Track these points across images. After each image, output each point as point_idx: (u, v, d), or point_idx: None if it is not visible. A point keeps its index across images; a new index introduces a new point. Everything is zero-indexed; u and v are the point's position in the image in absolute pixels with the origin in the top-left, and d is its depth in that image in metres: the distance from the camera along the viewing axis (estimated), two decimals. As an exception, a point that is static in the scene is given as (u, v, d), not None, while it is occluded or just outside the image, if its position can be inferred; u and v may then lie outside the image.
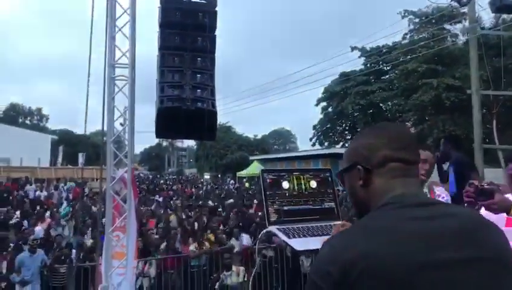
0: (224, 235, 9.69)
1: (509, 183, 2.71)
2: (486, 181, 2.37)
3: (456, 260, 1.01)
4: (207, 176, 47.28)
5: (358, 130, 33.42)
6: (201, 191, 26.77)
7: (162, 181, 38.38)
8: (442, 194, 3.35)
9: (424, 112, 28.58)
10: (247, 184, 33.21)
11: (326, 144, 39.06)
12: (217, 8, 5.60)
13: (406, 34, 32.25)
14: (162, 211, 14.41)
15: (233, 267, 7.92)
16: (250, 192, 22.32)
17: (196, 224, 10.96)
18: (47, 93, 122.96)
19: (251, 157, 43.30)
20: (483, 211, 2.12)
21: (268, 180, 1.89)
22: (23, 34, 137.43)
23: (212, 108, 5.39)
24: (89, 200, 16.98)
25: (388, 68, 34.61)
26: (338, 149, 30.92)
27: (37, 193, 20.08)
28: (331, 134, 39.81)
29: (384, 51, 32.70)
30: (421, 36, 29.17)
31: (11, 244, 9.06)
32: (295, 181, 1.92)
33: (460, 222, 1.09)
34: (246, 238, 9.41)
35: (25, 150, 32.20)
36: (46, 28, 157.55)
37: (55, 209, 14.42)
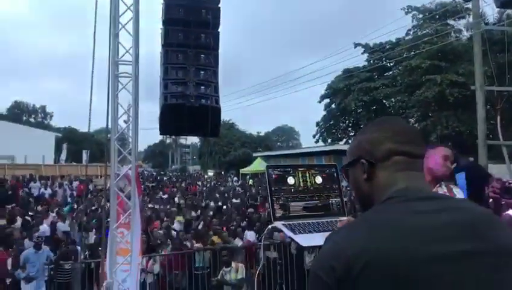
0: (227, 234, 9.66)
1: None
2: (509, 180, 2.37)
3: (459, 254, 1.01)
4: (210, 173, 47.31)
5: (362, 126, 33.36)
6: (204, 188, 26.82)
7: (166, 178, 38.42)
8: (458, 195, 3.34)
9: (428, 108, 28.51)
10: (250, 181, 33.20)
11: (329, 140, 39.05)
12: (220, 5, 5.60)
13: (410, 30, 32.22)
14: (169, 207, 14.47)
15: (233, 264, 7.91)
16: (254, 190, 22.25)
17: (201, 224, 10.99)
18: (51, 91, 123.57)
19: (254, 154, 43.34)
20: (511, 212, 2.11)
21: (273, 176, 1.89)
22: (27, 32, 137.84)
23: (216, 105, 5.40)
24: (93, 197, 17.03)
25: (391, 64, 34.54)
26: (341, 146, 30.90)
27: (41, 190, 20.16)
28: (334, 131, 39.76)
29: (387, 47, 32.64)
30: (424, 32, 29.07)
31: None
32: (300, 177, 1.92)
33: (464, 215, 1.09)
34: (250, 235, 9.42)
35: (30, 148, 32.33)
36: (50, 25, 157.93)
37: (57, 208, 14.40)
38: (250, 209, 14.05)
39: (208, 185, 29.68)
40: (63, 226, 10.84)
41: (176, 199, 18.30)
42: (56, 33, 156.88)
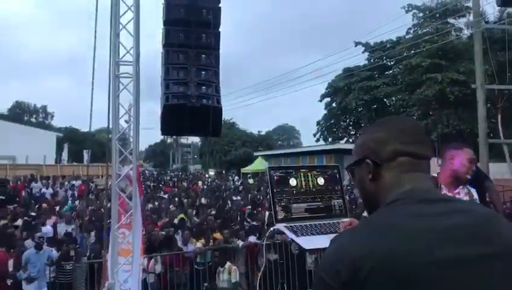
0: (228, 232, 9.65)
1: None
2: None
3: (465, 257, 1.00)
4: (211, 172, 47.32)
5: (362, 125, 33.43)
6: (205, 186, 26.87)
7: (168, 178, 38.46)
8: (475, 195, 3.33)
9: (428, 107, 28.52)
10: (251, 180, 33.22)
11: (330, 139, 39.04)
12: (220, 5, 5.60)
13: (410, 28, 32.25)
14: (171, 206, 14.50)
15: (226, 265, 7.85)
16: (256, 191, 22.21)
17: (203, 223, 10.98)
18: (52, 90, 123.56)
19: (255, 153, 43.33)
20: None
21: (275, 178, 1.88)
22: (28, 32, 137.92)
23: (217, 104, 5.39)
24: (94, 197, 17.05)
25: (392, 63, 34.53)
26: (342, 145, 30.88)
27: (43, 190, 20.17)
28: (334, 129, 39.77)
29: (388, 46, 32.62)
30: (425, 31, 29.09)
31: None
32: (302, 178, 1.91)
33: (471, 218, 1.08)
34: (251, 237, 9.39)
35: (31, 148, 32.38)
36: (51, 25, 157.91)
37: (58, 208, 14.42)
38: (250, 207, 14.05)
39: (209, 185, 29.72)
40: (63, 227, 10.84)
41: (177, 199, 18.29)
42: (57, 33, 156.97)
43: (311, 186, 1.91)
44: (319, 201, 1.89)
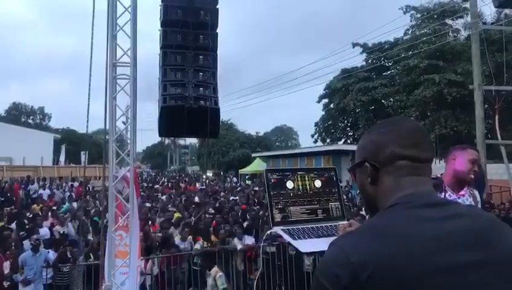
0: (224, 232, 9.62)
1: None
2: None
3: (466, 263, 0.99)
4: (209, 173, 47.25)
5: (360, 126, 33.46)
6: (202, 187, 26.80)
7: (165, 179, 38.38)
8: (478, 198, 3.31)
9: (426, 108, 28.57)
10: (248, 182, 33.18)
11: (328, 140, 39.02)
12: (218, 6, 5.59)
13: (408, 29, 32.28)
14: (169, 206, 14.48)
15: (213, 270, 7.53)
16: (253, 191, 22.18)
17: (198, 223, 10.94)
18: (50, 92, 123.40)
19: (253, 155, 43.27)
20: None
21: (272, 180, 1.86)
22: (25, 33, 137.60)
23: (215, 106, 5.39)
24: (91, 199, 16.99)
25: (390, 64, 34.52)
26: (340, 146, 30.89)
27: (40, 191, 20.10)
28: (332, 131, 39.74)
29: (385, 47, 32.64)
30: (422, 32, 29.11)
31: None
32: (299, 181, 1.89)
33: (472, 222, 1.07)
34: (248, 239, 9.37)
35: (28, 149, 32.27)
36: (49, 27, 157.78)
37: (54, 209, 14.35)
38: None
39: (206, 185, 29.66)
40: (59, 229, 10.78)
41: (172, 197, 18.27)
42: (55, 34, 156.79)
43: (308, 189, 1.89)
44: (316, 204, 1.87)
